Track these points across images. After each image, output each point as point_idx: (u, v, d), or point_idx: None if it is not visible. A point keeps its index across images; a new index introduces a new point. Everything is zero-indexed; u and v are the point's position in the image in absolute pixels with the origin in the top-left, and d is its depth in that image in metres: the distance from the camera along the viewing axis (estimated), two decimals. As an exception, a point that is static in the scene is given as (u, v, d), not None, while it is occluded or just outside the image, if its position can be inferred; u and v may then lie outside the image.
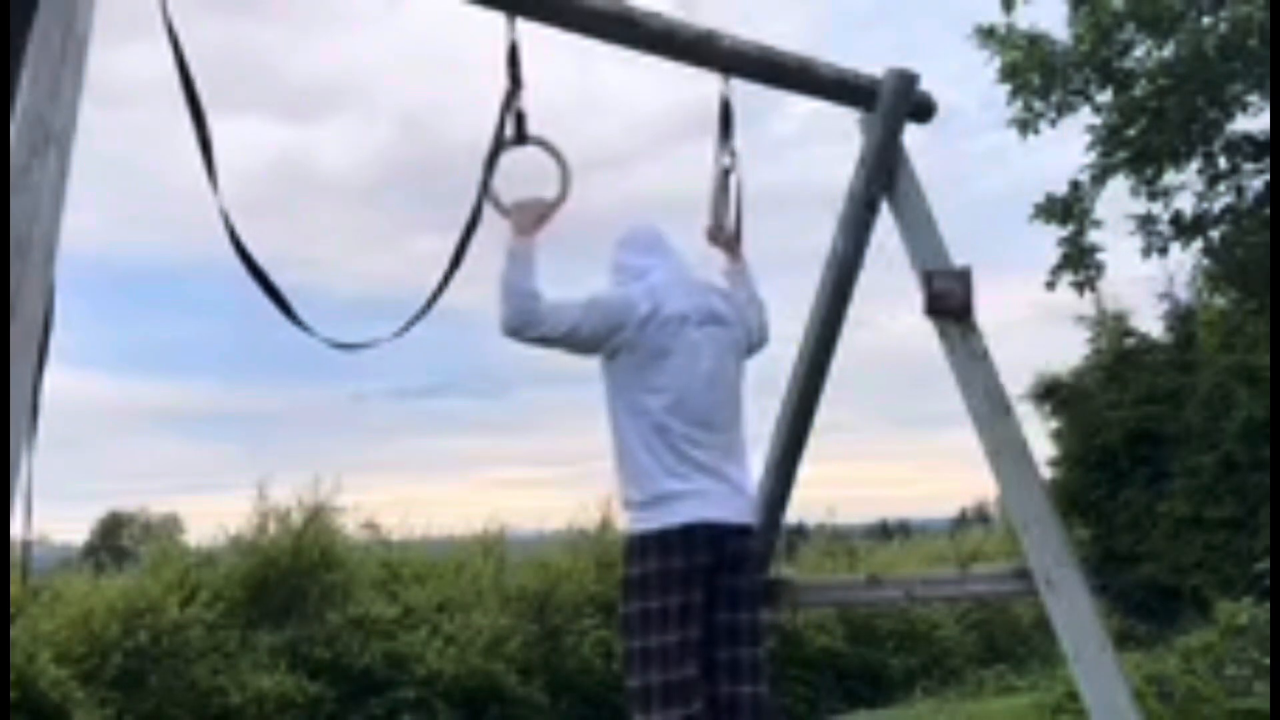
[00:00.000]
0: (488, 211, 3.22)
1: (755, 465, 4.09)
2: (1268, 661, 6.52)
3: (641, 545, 3.03)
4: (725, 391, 3.24)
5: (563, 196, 3.27)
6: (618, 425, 3.17)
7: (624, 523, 3.15)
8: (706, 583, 3.02)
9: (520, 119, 3.23)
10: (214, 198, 2.83)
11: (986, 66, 6.15)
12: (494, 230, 3.20)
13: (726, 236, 3.71)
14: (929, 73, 4.05)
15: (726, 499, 3.10)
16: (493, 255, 3.17)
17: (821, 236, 4.17)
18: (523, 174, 3.28)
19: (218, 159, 2.86)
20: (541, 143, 3.29)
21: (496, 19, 3.21)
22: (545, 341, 3.09)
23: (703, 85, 3.70)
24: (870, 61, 4.09)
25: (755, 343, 3.53)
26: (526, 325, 3.04)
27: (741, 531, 3.14)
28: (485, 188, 3.19)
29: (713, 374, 3.19)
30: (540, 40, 3.27)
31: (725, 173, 3.72)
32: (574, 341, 3.12)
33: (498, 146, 3.22)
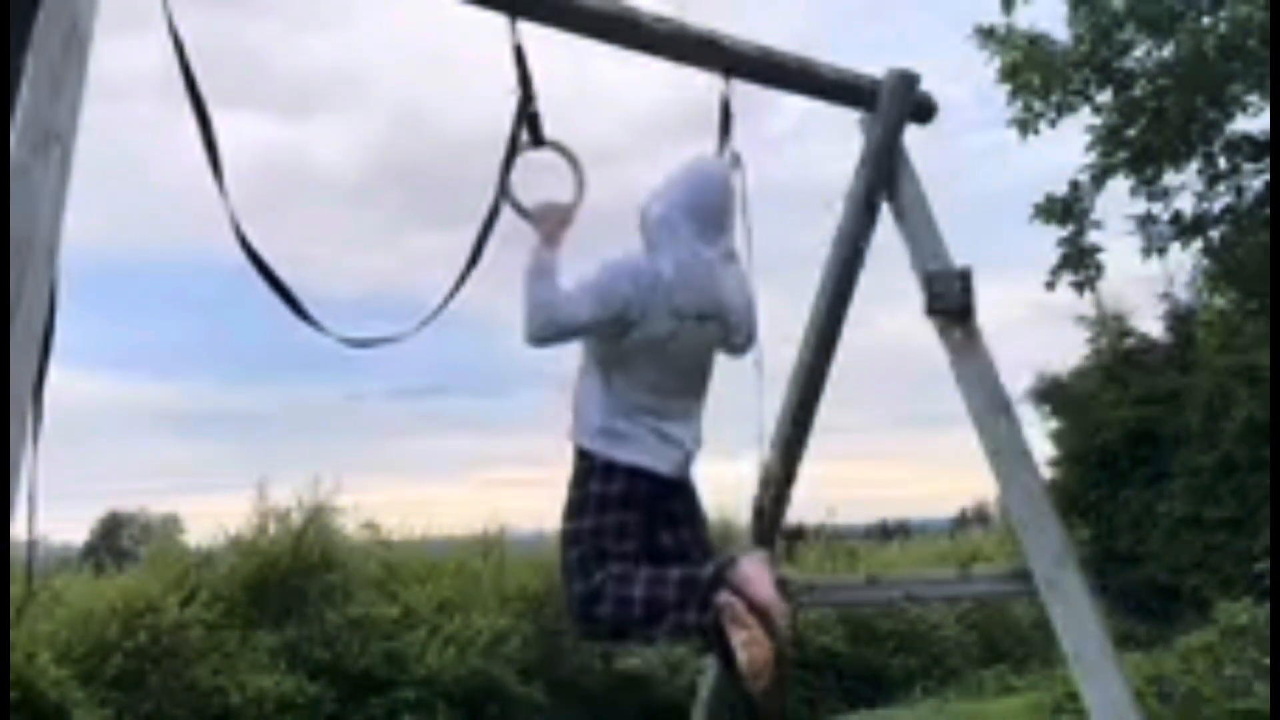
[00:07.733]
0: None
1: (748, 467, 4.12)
2: (1268, 662, 6.52)
3: (587, 471, 3.15)
4: (697, 379, 3.31)
5: (579, 199, 3.27)
6: (587, 369, 3.23)
7: (574, 436, 3.22)
8: (646, 512, 3.16)
9: (535, 122, 3.23)
10: (220, 197, 2.83)
11: (986, 66, 6.18)
12: (500, 229, 3.20)
13: None
14: (925, 68, 4.06)
15: (670, 453, 3.19)
16: (496, 256, 3.18)
17: (820, 234, 4.17)
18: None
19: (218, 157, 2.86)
20: (557, 146, 3.29)
21: (491, 14, 3.21)
22: (569, 338, 3.12)
23: (699, 81, 3.70)
24: (866, 58, 4.10)
25: (743, 343, 3.47)
26: (543, 330, 3.05)
27: (679, 482, 3.27)
28: (504, 193, 3.19)
29: (689, 369, 3.24)
30: (534, 36, 3.27)
31: None
32: (595, 332, 3.11)
33: (513, 150, 3.22)
